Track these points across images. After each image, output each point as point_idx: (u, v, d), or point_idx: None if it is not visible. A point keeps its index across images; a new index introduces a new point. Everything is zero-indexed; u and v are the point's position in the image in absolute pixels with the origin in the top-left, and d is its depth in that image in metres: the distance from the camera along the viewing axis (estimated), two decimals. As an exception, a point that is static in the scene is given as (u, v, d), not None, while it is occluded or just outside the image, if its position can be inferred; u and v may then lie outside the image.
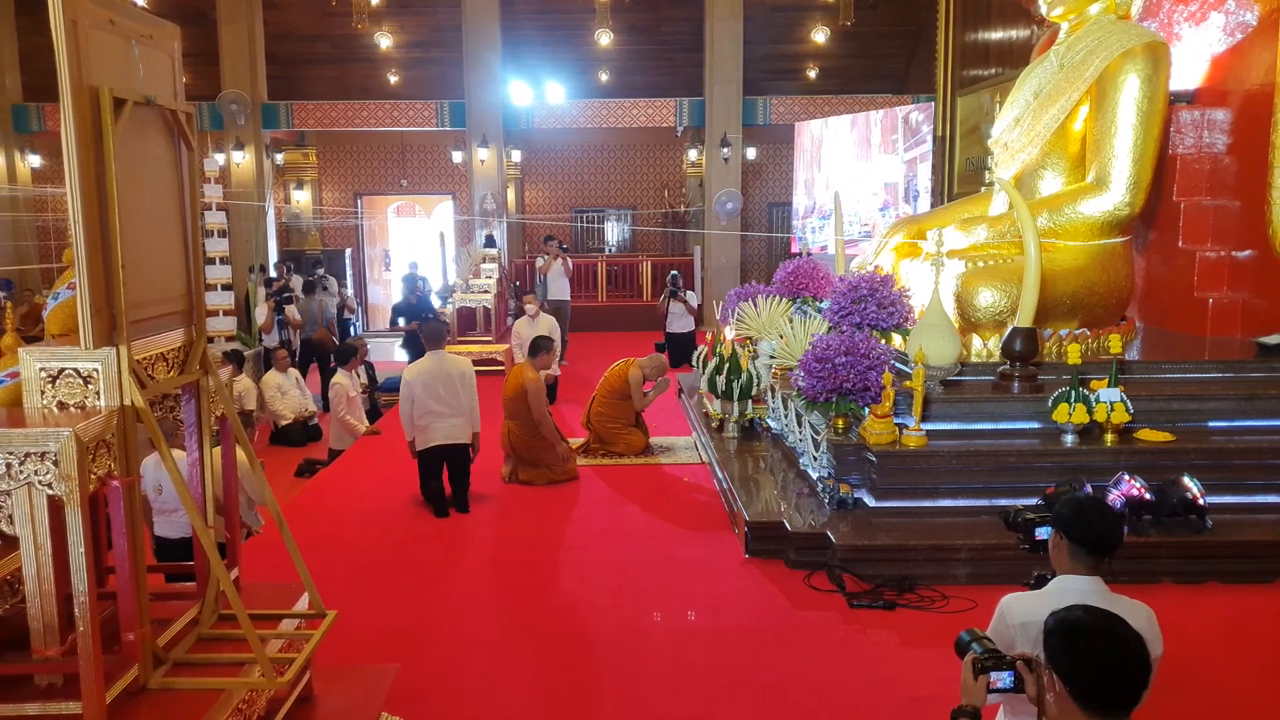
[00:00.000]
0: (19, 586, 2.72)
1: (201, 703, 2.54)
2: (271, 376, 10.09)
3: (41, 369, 2.51)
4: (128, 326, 2.52)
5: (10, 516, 2.44)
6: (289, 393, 10.09)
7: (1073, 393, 5.49)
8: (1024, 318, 5.85)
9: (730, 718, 3.86)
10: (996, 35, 13.73)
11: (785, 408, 6.94)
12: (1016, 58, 11.99)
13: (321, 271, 14.84)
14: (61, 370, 2.52)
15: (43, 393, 2.52)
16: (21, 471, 2.34)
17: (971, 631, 2.31)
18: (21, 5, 16.61)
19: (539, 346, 7.44)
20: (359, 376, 9.52)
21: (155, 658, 2.64)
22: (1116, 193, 6.37)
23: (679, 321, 12.98)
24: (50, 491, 2.34)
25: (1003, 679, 2.17)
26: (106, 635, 2.50)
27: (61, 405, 2.52)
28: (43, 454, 2.33)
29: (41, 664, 2.50)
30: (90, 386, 2.52)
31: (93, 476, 2.41)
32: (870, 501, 5.59)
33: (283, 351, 10.66)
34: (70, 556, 2.38)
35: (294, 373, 10.48)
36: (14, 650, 2.61)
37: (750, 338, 8.24)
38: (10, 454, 2.33)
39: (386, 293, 20.93)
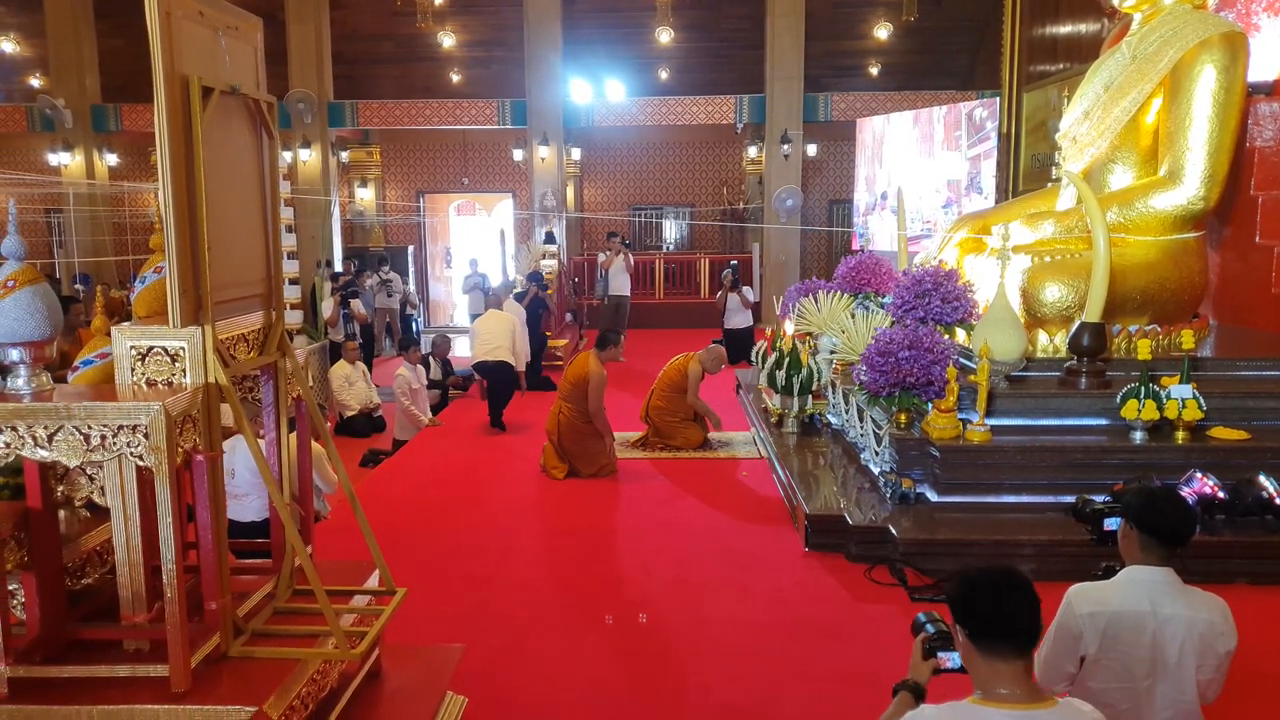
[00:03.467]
0: (108, 557, 2.84)
1: (279, 671, 2.62)
2: (339, 368, 10.30)
3: (132, 347, 2.62)
4: (212, 307, 2.62)
5: (102, 488, 2.56)
6: (356, 384, 10.29)
7: (1142, 389, 5.38)
8: (1092, 312, 5.75)
9: (790, 708, 3.87)
10: (1065, 29, 13.45)
11: (846, 403, 6.90)
12: (1085, 52, 11.73)
13: (386, 268, 15.11)
14: (151, 348, 2.62)
15: (133, 369, 2.62)
16: (114, 443, 2.44)
17: (929, 614, 2.41)
18: (101, 10, 17.16)
19: (607, 340, 7.46)
20: (423, 368, 9.68)
21: (235, 627, 2.74)
22: (1190, 186, 6.22)
23: (736, 316, 12.91)
24: (141, 463, 2.44)
25: (951, 659, 2.26)
26: (190, 605, 2.59)
27: (150, 382, 2.62)
28: (134, 427, 2.43)
29: (130, 630, 2.61)
30: (177, 364, 2.62)
31: (179, 450, 2.51)
32: (932, 496, 5.54)
33: (351, 343, 10.89)
34: (159, 527, 2.48)
35: (361, 365, 10.69)
36: (103, 617, 2.72)
37: (810, 333, 8.21)
38: (104, 426, 2.43)
39: (448, 289, 21.22)
